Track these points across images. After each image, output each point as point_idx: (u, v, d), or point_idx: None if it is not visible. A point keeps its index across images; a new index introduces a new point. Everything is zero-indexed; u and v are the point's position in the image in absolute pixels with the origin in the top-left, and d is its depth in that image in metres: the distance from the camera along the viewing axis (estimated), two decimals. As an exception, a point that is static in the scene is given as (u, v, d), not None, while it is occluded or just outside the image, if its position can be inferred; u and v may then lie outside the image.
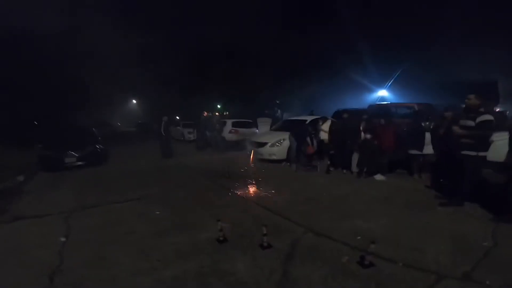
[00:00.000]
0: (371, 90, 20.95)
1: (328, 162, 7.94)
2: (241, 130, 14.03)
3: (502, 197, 4.10)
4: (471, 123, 4.38)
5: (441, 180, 5.58)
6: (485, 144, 4.37)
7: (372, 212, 4.55)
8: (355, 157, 7.39)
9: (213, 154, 11.71)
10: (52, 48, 16.60)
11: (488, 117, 4.30)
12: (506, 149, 4.35)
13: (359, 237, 3.60)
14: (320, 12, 25.65)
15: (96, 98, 25.26)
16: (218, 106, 28.61)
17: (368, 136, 6.95)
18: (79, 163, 9.09)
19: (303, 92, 23.21)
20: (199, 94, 26.11)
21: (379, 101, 15.91)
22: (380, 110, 9.47)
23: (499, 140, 4.80)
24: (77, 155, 9.11)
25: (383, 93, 20.10)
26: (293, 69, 23.23)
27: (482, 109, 4.41)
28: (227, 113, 18.02)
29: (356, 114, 8.39)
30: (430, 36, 17.93)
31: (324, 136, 8.47)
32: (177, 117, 25.71)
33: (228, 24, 22.41)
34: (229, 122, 14.22)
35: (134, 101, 47.11)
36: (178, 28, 25.06)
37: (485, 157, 4.36)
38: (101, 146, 10.27)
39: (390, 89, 20.13)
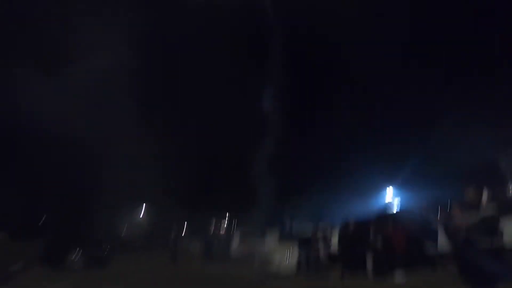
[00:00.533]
0: (377, 189, 20.29)
1: (342, 269, 7.51)
2: (248, 240, 13.66)
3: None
4: (475, 218, 4.42)
5: (464, 271, 5.24)
6: (496, 234, 4.30)
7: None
8: (369, 260, 7.09)
9: (218, 264, 11.15)
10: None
11: (489, 213, 4.38)
12: None
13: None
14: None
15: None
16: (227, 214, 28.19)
17: (379, 240, 6.90)
18: (83, 263, 8.82)
19: (307, 204, 22.99)
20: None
21: (386, 208, 15.16)
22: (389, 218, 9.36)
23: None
24: (81, 254, 8.94)
25: (390, 191, 19.19)
26: (294, 182, 23.29)
27: (484, 203, 4.50)
28: (236, 221, 17.58)
29: (365, 222, 8.41)
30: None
31: (334, 244, 8.33)
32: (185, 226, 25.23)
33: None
34: (236, 233, 14.02)
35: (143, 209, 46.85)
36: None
37: (501, 245, 4.29)
38: (107, 247, 10.11)
39: (397, 187, 19.46)
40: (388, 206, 12.57)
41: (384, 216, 8.84)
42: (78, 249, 9.00)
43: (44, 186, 17.20)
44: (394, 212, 10.00)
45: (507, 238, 4.40)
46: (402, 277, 6.38)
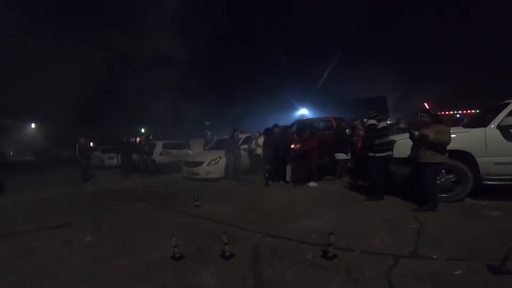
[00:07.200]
0: (293, 109, 22.96)
1: (266, 175, 8.16)
2: (173, 151, 13.30)
3: (410, 186, 5.14)
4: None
5: (360, 179, 7.07)
6: (376, 146, 5.37)
7: (315, 212, 4.88)
8: (289, 169, 7.93)
9: (142, 179, 10.78)
10: None
11: (371, 121, 5.44)
12: (408, 147, 5.12)
13: (313, 235, 3.75)
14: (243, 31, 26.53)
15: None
16: (142, 130, 26.67)
17: (298, 146, 7.59)
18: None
19: (230, 113, 23.88)
20: (115, 115, 24.07)
21: (301, 117, 17.58)
22: (305, 124, 10.12)
23: (399, 139, 5.49)
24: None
25: (303, 111, 22.24)
26: (219, 90, 23.64)
27: (371, 118, 5.51)
28: (152, 136, 16.48)
29: (285, 129, 8.99)
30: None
31: (259, 150, 8.77)
32: (91, 143, 23.09)
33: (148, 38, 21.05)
34: (159, 144, 13.24)
35: (33, 126, 39.29)
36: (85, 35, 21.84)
37: (382, 156, 5.34)
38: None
39: (308, 107, 22.52)
40: (306, 119, 13.36)
41: (302, 126, 9.36)
42: None
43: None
44: (310, 123, 10.43)
45: (395, 150, 5.46)
46: (315, 182, 7.45)
